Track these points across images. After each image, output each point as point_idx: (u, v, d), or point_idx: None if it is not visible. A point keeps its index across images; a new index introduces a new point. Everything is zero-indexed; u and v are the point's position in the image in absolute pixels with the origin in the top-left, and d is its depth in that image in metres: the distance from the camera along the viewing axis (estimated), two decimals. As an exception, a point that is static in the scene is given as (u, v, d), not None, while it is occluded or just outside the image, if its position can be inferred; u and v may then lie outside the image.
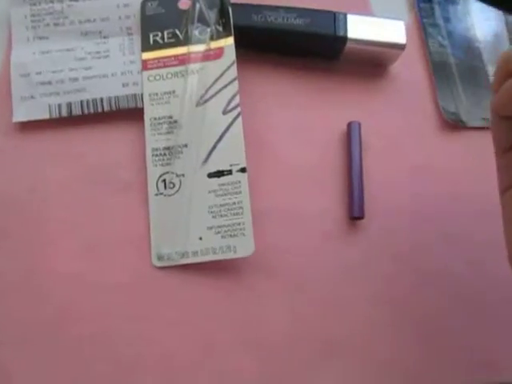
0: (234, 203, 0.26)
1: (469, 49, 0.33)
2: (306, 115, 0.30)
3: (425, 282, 0.27)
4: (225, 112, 0.27)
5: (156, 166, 0.27)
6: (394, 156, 0.30)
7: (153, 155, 0.27)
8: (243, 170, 0.26)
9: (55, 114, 0.28)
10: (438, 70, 0.32)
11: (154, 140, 0.27)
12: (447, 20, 0.34)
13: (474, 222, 0.29)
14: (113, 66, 0.29)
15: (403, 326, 0.26)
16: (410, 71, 0.32)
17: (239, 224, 0.26)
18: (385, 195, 0.29)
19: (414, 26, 0.33)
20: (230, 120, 0.27)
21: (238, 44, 0.28)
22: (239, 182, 0.26)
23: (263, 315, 0.26)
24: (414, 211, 0.29)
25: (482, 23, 0.34)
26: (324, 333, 0.26)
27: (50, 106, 0.28)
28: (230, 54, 0.28)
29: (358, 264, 0.27)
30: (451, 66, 0.32)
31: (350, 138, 0.29)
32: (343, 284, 0.27)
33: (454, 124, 0.31)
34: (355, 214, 0.28)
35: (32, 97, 0.28)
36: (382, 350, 0.26)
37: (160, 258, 0.26)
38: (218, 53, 0.28)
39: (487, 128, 0.30)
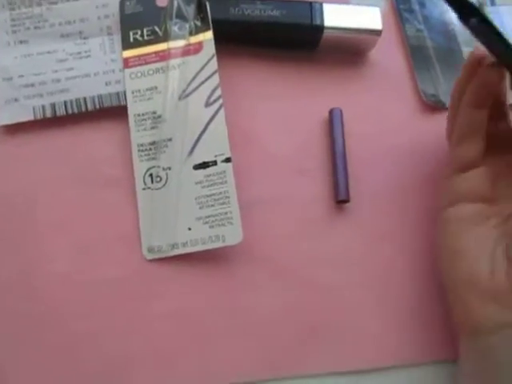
0: (221, 193, 0.26)
1: (445, 32, 0.34)
2: (288, 104, 0.31)
3: (413, 263, 0.28)
4: (207, 104, 0.28)
5: (142, 161, 0.28)
6: (376, 140, 0.30)
7: (138, 151, 0.28)
8: (228, 159, 0.27)
9: (39, 116, 0.28)
10: (416, 54, 0.32)
11: (139, 136, 0.28)
12: (423, 5, 0.35)
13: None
14: (94, 66, 0.29)
15: (391, 310, 0.27)
16: (389, 57, 0.33)
17: (226, 213, 0.26)
18: (369, 178, 0.30)
19: (390, 12, 0.34)
20: (213, 112, 0.27)
21: (217, 38, 0.29)
22: (224, 172, 0.27)
23: (253, 302, 0.26)
24: (399, 192, 0.29)
25: (457, 6, 0.35)
26: (312, 318, 0.26)
27: (34, 108, 0.28)
28: (210, 48, 0.28)
29: (346, 247, 0.28)
30: (428, 49, 0.33)
31: (333, 124, 0.30)
32: (332, 268, 0.27)
33: (433, 105, 0.31)
34: (341, 197, 0.28)
35: (16, 99, 0.28)
36: (370, 334, 0.26)
37: (151, 250, 0.26)
38: (198, 47, 0.29)
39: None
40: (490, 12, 0.33)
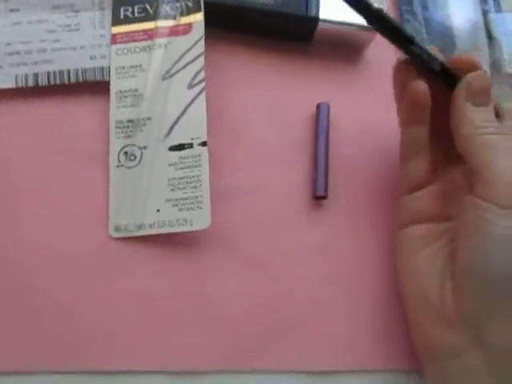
0: (193, 176, 0.26)
1: (445, 37, 0.33)
2: (276, 95, 0.30)
3: (387, 267, 0.27)
4: (189, 86, 0.27)
5: (119, 138, 0.27)
6: (363, 139, 0.30)
7: (116, 127, 0.27)
8: (204, 143, 0.26)
9: (21, 84, 0.28)
10: (412, 56, 0.32)
11: (119, 112, 0.27)
12: (425, 8, 0.34)
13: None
14: (82, 39, 0.29)
15: (358, 308, 0.26)
16: (384, 56, 0.32)
17: (197, 197, 0.25)
18: (351, 177, 0.29)
19: (390, 12, 0.33)
20: (194, 94, 0.27)
21: (208, 22, 0.28)
22: (199, 155, 0.26)
23: (218, 290, 0.26)
24: (380, 195, 0.28)
25: (460, 13, 0.34)
26: (279, 312, 0.26)
27: (16, 76, 0.28)
28: (199, 30, 0.28)
29: (319, 244, 0.27)
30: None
31: (318, 118, 0.29)
32: (302, 263, 0.26)
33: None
34: (318, 193, 0.27)
35: (0, 67, 0.28)
36: (335, 333, 0.25)
37: (117, 229, 0.26)
38: (187, 28, 0.28)
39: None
40: (494, 19, 0.33)
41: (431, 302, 0.22)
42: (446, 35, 0.33)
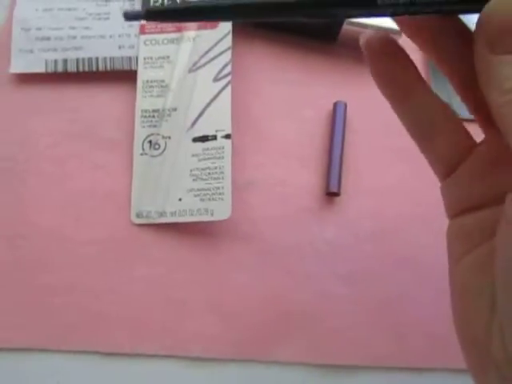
0: (216, 168, 0.26)
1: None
2: (296, 92, 0.31)
3: (398, 267, 0.27)
4: (215, 79, 0.28)
5: (144, 127, 0.28)
6: (379, 139, 0.30)
7: (142, 116, 0.28)
8: (228, 136, 0.27)
9: (51, 69, 0.28)
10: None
11: (145, 102, 0.28)
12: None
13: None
14: (111, 28, 0.29)
15: (371, 304, 0.26)
16: (406, 59, 0.32)
17: (218, 188, 0.26)
18: (365, 176, 0.29)
19: (413, 17, 0.34)
20: (220, 87, 0.27)
21: (236, 17, 0.29)
22: (223, 147, 0.27)
23: (233, 280, 0.26)
24: (393, 195, 0.29)
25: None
26: (292, 303, 0.26)
27: (46, 61, 0.28)
28: (226, 25, 0.28)
29: (331, 240, 0.28)
30: (447, 57, 0.32)
31: (335, 116, 0.30)
32: (314, 258, 0.27)
33: (444, 114, 0.31)
34: (331, 189, 0.28)
35: (30, 51, 0.29)
36: (349, 328, 0.26)
37: (139, 215, 0.27)
38: (215, 23, 0.29)
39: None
40: None
41: (478, 341, 0.16)
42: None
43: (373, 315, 0.26)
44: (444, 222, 0.18)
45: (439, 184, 0.19)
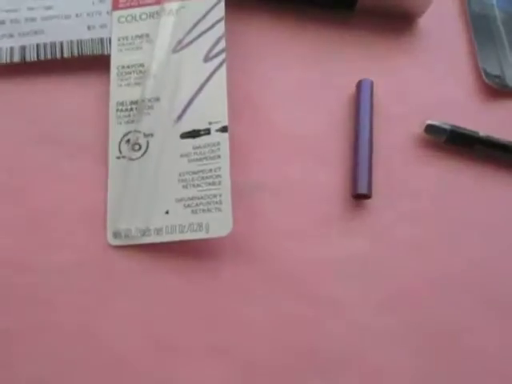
0: (211, 170, 0.21)
1: (517, 1, 0.27)
2: (309, 72, 0.25)
3: (446, 282, 0.21)
4: (206, 59, 0.22)
5: (120, 123, 0.22)
6: (415, 126, 0.24)
7: (117, 110, 0.22)
8: (224, 129, 0.21)
9: (6, 59, 0.23)
10: (479, 25, 0.26)
11: (120, 92, 0.22)
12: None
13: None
14: (78, 6, 0.24)
15: (414, 340, 0.20)
16: (443, 25, 0.26)
17: (215, 196, 0.20)
18: (400, 172, 0.23)
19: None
20: (213, 68, 0.22)
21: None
22: (218, 143, 0.21)
23: (238, 313, 0.20)
24: (433, 192, 0.23)
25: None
26: (311, 340, 0.20)
27: (0, 49, 0.23)
28: (218, -8, 0.23)
29: (361, 254, 0.22)
30: (495, 19, 0.26)
31: (360, 99, 0.24)
32: (341, 279, 0.21)
33: (497, 89, 0.25)
34: (360, 190, 0.22)
35: (-19, 38, 0.24)
36: (388, 373, 0.20)
37: (116, 235, 0.21)
38: (204, -10, 0.23)
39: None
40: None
41: None
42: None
43: (423, 353, 0.20)
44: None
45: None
